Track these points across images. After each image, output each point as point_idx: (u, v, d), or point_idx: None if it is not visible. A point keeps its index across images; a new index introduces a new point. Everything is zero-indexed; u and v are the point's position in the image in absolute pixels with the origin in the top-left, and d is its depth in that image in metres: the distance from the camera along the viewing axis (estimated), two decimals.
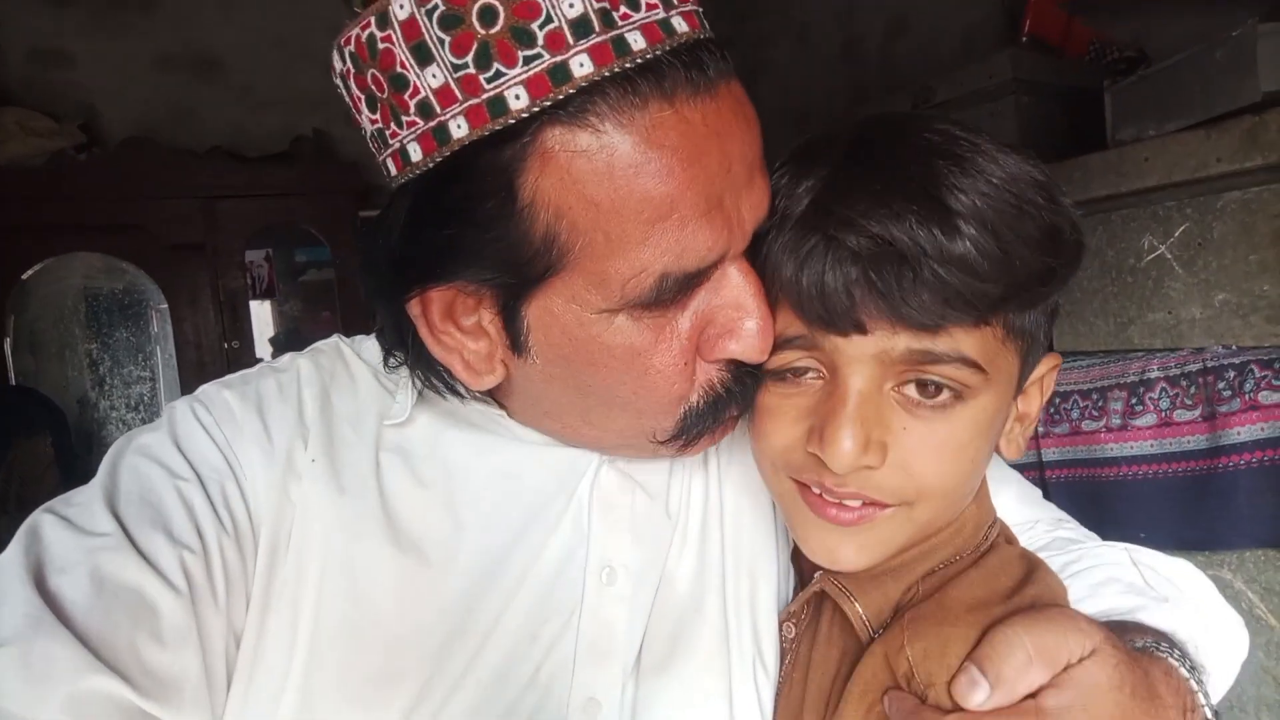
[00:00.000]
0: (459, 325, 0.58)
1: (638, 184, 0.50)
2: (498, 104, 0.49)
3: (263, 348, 3.07)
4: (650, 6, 0.51)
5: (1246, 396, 1.18)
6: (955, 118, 0.59)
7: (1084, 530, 0.83)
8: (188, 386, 2.87)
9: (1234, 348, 1.23)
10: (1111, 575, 0.65)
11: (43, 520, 0.56)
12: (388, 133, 0.54)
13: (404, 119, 0.53)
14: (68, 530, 0.55)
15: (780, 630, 0.66)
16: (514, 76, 0.49)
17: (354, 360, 0.70)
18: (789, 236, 0.55)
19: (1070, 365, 1.45)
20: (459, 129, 0.51)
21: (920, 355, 0.53)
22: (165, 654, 0.52)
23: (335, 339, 0.72)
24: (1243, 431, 1.18)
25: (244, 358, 2.89)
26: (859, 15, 3.00)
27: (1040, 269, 0.53)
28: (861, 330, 0.52)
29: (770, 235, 0.57)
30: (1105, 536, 1.38)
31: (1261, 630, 1.23)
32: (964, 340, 0.52)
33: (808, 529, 0.59)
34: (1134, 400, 1.34)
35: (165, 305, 2.86)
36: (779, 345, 0.58)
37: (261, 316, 3.12)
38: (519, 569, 0.62)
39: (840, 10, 3.05)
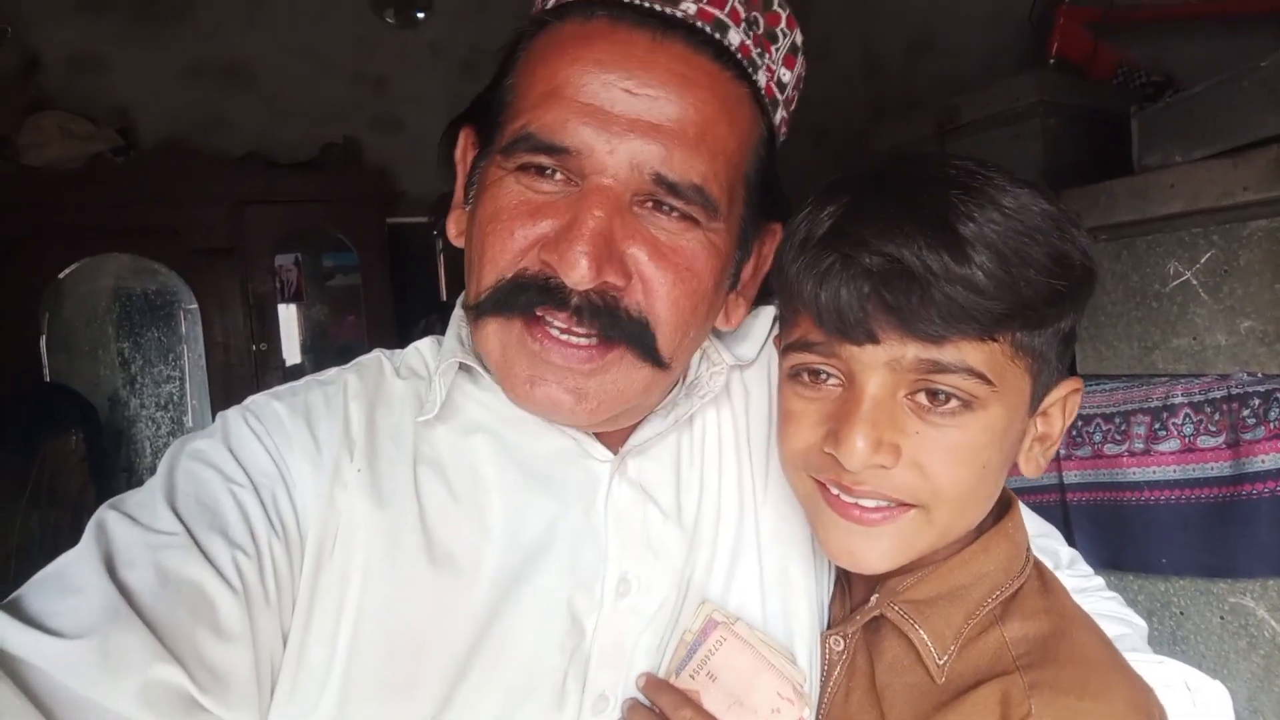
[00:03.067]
0: (463, 161, 0.73)
1: (552, 60, 0.62)
2: None
3: (291, 350, 3.12)
4: None
5: (1272, 424, 1.19)
6: (978, 157, 0.62)
7: (1086, 568, 0.86)
8: (216, 387, 2.91)
9: (1259, 375, 1.23)
10: (1164, 700, 0.65)
11: (108, 517, 0.59)
12: None
13: None
14: (133, 527, 0.58)
15: (826, 643, 0.69)
16: None
17: (392, 376, 0.73)
18: (811, 254, 0.60)
19: (1093, 388, 1.46)
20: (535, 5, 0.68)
21: (929, 365, 0.56)
22: (221, 648, 0.55)
23: (378, 353, 0.76)
24: (1267, 459, 1.19)
25: (272, 360, 2.94)
26: (881, 31, 3.02)
27: (1046, 291, 0.56)
28: (874, 340, 0.57)
29: (794, 254, 0.62)
30: (1127, 560, 1.40)
31: None
32: (970, 353, 0.56)
33: (829, 530, 0.63)
34: (1157, 425, 1.35)
35: (195, 306, 2.91)
36: (800, 347, 0.62)
37: (288, 320, 3.17)
38: (540, 580, 0.65)
39: (861, 25, 3.07)
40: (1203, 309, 1.34)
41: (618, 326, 0.61)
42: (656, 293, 0.62)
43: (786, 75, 0.68)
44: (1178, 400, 1.33)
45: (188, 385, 3.03)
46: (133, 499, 0.61)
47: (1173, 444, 1.32)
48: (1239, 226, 1.27)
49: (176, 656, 0.52)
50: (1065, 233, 0.58)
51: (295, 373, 3.17)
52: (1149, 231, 1.41)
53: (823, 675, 0.68)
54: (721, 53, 0.62)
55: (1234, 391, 1.25)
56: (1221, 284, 1.31)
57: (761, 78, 0.65)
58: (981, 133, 1.94)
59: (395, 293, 3.15)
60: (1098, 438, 1.43)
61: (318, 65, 3.24)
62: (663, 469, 0.71)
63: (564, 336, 0.62)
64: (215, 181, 2.79)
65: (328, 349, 3.31)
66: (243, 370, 2.91)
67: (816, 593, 0.71)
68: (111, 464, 2.76)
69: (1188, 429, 1.31)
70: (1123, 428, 1.39)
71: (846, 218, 0.59)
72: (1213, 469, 1.27)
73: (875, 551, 0.61)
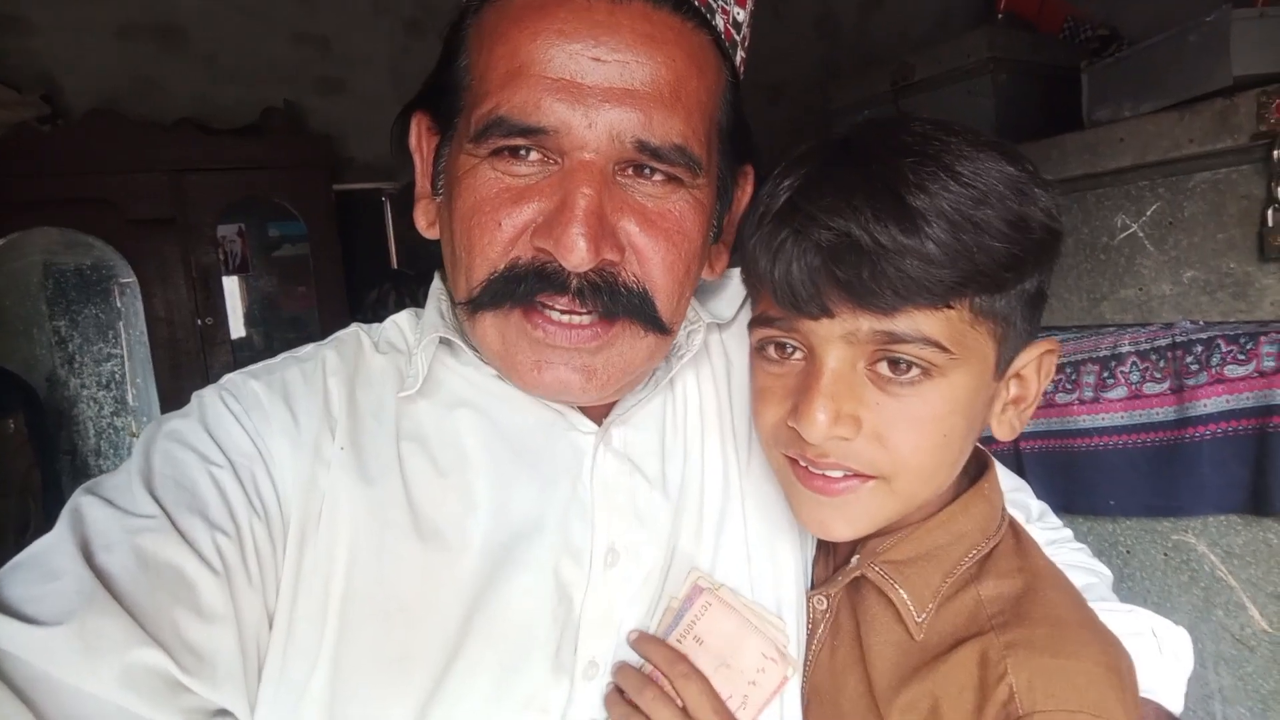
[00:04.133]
0: (420, 149, 0.71)
1: (511, 36, 0.59)
2: None
3: (238, 323, 3.03)
4: None
5: (1213, 370, 1.24)
6: (942, 119, 0.62)
7: (1056, 520, 0.89)
8: (161, 363, 2.81)
9: (1201, 323, 1.28)
10: (1133, 647, 0.68)
11: (83, 501, 0.58)
12: None
13: None
14: (109, 510, 0.57)
15: (810, 603, 0.70)
16: None
17: (371, 351, 0.72)
18: (766, 230, 0.60)
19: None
20: None
21: (884, 336, 0.57)
22: (203, 630, 0.55)
23: (355, 328, 0.74)
24: (1209, 404, 1.24)
25: (218, 334, 2.85)
26: None
27: (1003, 257, 0.56)
28: (828, 314, 0.58)
29: (752, 228, 0.62)
30: (1077, 504, 1.45)
31: (1221, 590, 1.30)
32: (924, 322, 0.57)
33: (801, 502, 0.64)
34: (1105, 374, 1.39)
35: (130, 280, 2.80)
36: (762, 322, 0.63)
37: (234, 292, 3.07)
38: (530, 552, 0.65)
39: None
40: (1149, 260, 1.38)
41: (618, 301, 0.61)
42: (651, 261, 0.62)
43: (740, 14, 0.67)
44: (1125, 349, 1.37)
45: (130, 363, 2.93)
46: (108, 482, 0.60)
47: (1120, 391, 1.37)
48: (1184, 179, 1.31)
49: (157, 639, 0.52)
50: (1025, 194, 0.58)
51: (243, 347, 3.09)
52: (1099, 185, 1.44)
53: (808, 634, 0.69)
54: (680, 3, 0.61)
55: (1178, 339, 1.29)
56: (1167, 235, 1.35)
57: (719, 21, 0.64)
58: (935, 89, 1.96)
59: (345, 262, 3.07)
60: (1050, 387, 1.47)
61: (256, 24, 3.10)
62: (647, 437, 0.72)
63: (565, 318, 0.61)
64: (151, 149, 2.67)
65: (277, 321, 3.22)
66: (188, 345, 2.82)
67: (801, 554, 0.73)
68: (54, 446, 2.66)
69: (1134, 376, 1.36)
70: (1073, 377, 1.44)
71: (800, 192, 0.59)
72: (1158, 414, 1.32)
73: (843, 520, 0.63)
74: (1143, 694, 0.64)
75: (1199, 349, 1.26)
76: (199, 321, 2.81)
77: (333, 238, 3.00)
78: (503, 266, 0.61)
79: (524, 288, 0.61)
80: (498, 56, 0.60)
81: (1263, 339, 1.18)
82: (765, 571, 0.71)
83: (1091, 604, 0.65)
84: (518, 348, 0.63)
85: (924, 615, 0.61)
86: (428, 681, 0.60)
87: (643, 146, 0.59)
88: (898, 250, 0.54)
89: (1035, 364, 0.65)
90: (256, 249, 3.08)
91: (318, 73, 3.25)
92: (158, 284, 2.77)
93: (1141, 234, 1.39)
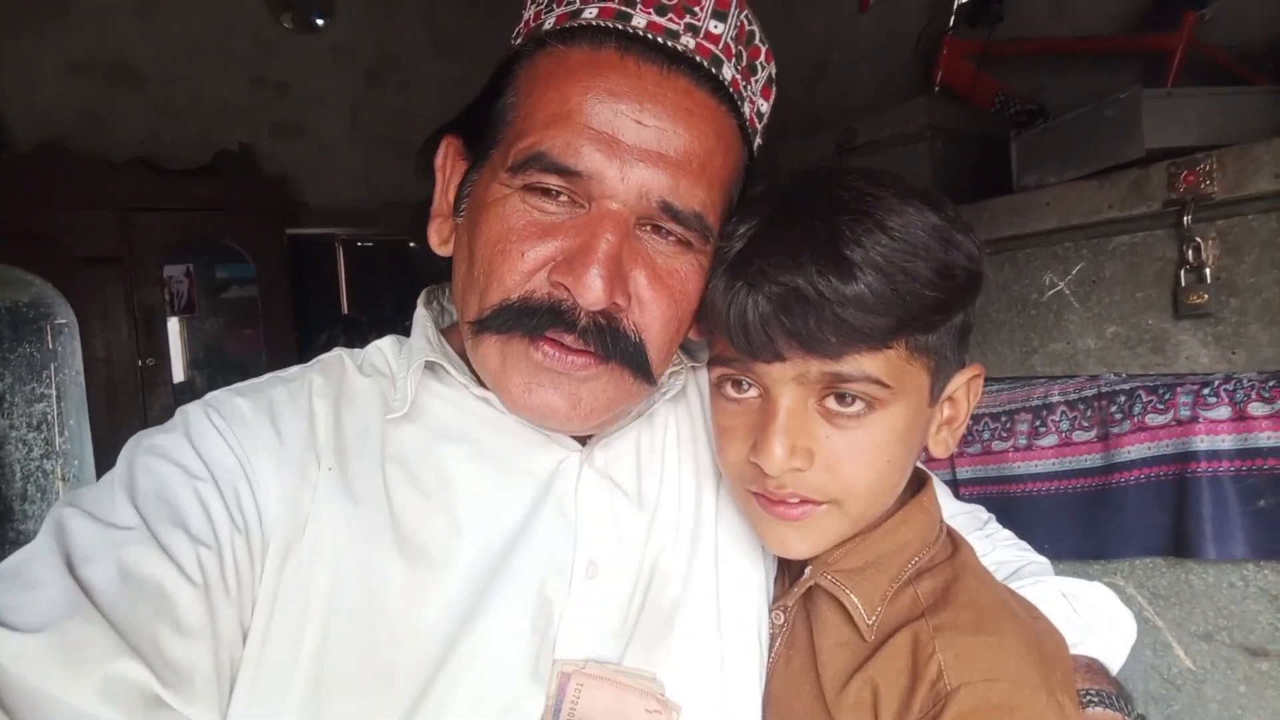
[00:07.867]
0: (445, 168, 0.74)
1: (563, 85, 0.64)
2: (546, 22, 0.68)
3: (181, 366, 2.97)
4: (671, 14, 0.65)
5: (1135, 419, 1.31)
6: (873, 169, 0.69)
7: (998, 525, 0.94)
8: (97, 405, 2.73)
9: (1124, 375, 1.37)
10: (1049, 612, 0.73)
11: (66, 513, 0.58)
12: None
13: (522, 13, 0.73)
14: (92, 523, 0.57)
15: (769, 618, 0.74)
16: (556, 8, 0.68)
17: (355, 373, 0.74)
18: (722, 280, 0.66)
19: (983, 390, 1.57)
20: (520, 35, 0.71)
21: (831, 376, 0.63)
22: (182, 644, 0.55)
23: (339, 352, 0.76)
24: (1132, 450, 1.31)
25: (159, 376, 2.79)
26: (782, 53, 3.15)
27: (931, 302, 0.63)
28: (780, 358, 0.63)
29: (710, 275, 0.68)
30: None
31: (1149, 630, 1.36)
32: (867, 363, 0.63)
33: (764, 526, 0.70)
34: (1038, 422, 1.47)
35: (64, 320, 2.73)
36: (720, 362, 0.69)
37: (175, 334, 3.01)
38: (513, 568, 0.67)
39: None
40: (1074, 316, 1.47)
41: (617, 346, 0.65)
42: (651, 313, 0.67)
43: (764, 106, 0.74)
44: (1055, 399, 1.45)
45: (65, 403, 2.84)
46: (89, 495, 0.60)
47: (1051, 439, 1.44)
48: (1105, 241, 1.41)
49: (138, 652, 0.52)
50: (949, 242, 0.64)
51: (184, 390, 3.02)
52: (1028, 245, 1.53)
53: (768, 647, 0.73)
54: (719, 87, 0.67)
55: (1103, 390, 1.37)
56: (1090, 293, 1.44)
57: (746, 109, 0.70)
58: (876, 153, 2.07)
59: (295, 305, 3.05)
60: (986, 435, 1.54)
61: (212, 66, 3.12)
62: (625, 457, 0.76)
63: (568, 345, 0.65)
64: (100, 186, 2.64)
65: (221, 364, 3.17)
66: (127, 386, 2.76)
67: (764, 573, 0.77)
68: None
69: (1064, 425, 1.43)
70: (1008, 425, 1.51)
71: (751, 246, 0.66)
72: (1086, 460, 1.39)
73: (802, 539, 0.68)
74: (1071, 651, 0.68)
75: (1122, 399, 1.34)
76: (140, 363, 2.75)
77: (283, 281, 2.98)
78: (517, 296, 0.64)
79: (536, 321, 0.64)
80: (546, 100, 0.65)
81: (1179, 389, 1.26)
82: (732, 587, 0.74)
83: (1005, 580, 0.72)
84: (515, 368, 0.66)
85: (874, 617, 0.65)
86: (409, 697, 0.60)
87: (666, 207, 0.64)
88: (839, 301, 0.60)
89: (965, 388, 0.71)
90: (203, 290, 3.04)
91: (274, 116, 3.27)
92: (98, 323, 2.70)
93: (1068, 291, 1.48)
